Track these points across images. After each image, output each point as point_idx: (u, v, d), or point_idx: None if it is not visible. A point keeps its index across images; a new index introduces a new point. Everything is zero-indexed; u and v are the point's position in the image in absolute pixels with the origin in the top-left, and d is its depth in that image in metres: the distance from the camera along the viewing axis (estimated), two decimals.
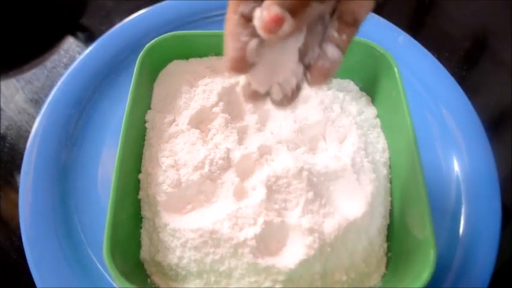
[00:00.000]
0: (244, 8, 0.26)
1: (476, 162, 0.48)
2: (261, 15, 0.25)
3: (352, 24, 0.29)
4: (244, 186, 0.39)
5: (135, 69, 0.43)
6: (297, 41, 0.28)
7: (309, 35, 0.28)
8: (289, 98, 0.30)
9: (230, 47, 0.27)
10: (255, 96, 0.30)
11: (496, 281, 0.42)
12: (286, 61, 0.29)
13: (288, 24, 0.24)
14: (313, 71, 0.29)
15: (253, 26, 0.26)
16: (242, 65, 0.27)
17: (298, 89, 0.30)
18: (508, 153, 0.52)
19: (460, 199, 0.46)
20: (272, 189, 0.37)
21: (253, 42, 0.27)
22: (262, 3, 0.26)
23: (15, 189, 0.48)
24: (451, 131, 0.50)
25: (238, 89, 0.30)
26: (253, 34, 0.26)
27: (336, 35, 0.28)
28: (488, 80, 0.60)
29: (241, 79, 0.30)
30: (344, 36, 0.28)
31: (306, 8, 0.25)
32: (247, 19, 0.26)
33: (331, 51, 0.28)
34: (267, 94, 0.30)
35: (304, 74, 0.29)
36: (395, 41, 0.56)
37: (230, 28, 0.27)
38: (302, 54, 0.29)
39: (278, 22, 0.24)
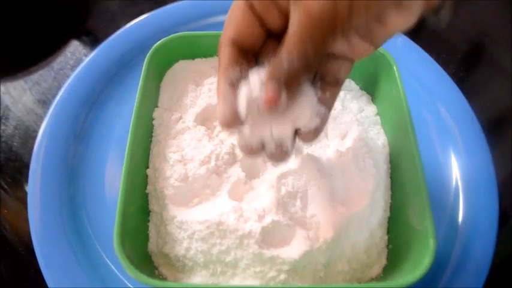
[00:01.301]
0: (231, 75, 0.30)
1: (473, 159, 0.49)
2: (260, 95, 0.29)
3: (334, 83, 0.32)
4: (251, 183, 0.40)
5: (143, 69, 0.44)
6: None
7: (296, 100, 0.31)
8: (281, 154, 0.32)
9: (221, 108, 0.30)
10: (251, 151, 0.32)
11: (495, 279, 0.42)
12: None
13: (284, 98, 0.28)
14: (303, 131, 0.31)
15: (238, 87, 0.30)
16: (233, 124, 0.30)
17: (290, 147, 0.32)
18: (505, 155, 0.53)
19: (457, 196, 0.47)
20: (281, 189, 0.38)
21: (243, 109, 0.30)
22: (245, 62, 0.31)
23: (23, 187, 0.49)
24: (448, 129, 0.51)
25: (238, 142, 0.33)
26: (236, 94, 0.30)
27: (319, 93, 0.31)
28: (486, 82, 0.60)
29: (237, 138, 0.33)
30: (328, 94, 0.32)
31: (298, 81, 0.28)
32: (235, 85, 0.30)
33: (318, 109, 0.31)
34: (263, 149, 0.32)
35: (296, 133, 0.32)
36: (394, 43, 0.56)
37: (220, 91, 0.31)
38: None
39: (276, 100, 0.28)
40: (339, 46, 0.30)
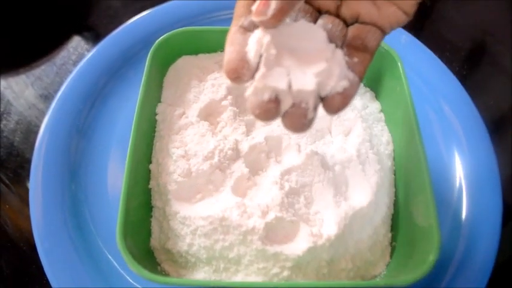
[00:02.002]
0: (244, 21, 0.28)
1: (477, 156, 0.48)
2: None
3: (362, 49, 0.30)
4: (255, 179, 0.40)
5: (146, 64, 0.43)
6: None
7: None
8: (300, 116, 0.27)
9: (227, 51, 0.27)
10: (263, 109, 0.27)
11: (498, 277, 0.42)
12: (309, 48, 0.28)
13: (275, 1, 0.25)
14: (329, 98, 0.28)
15: (250, 34, 0.27)
16: (239, 70, 0.27)
17: (312, 108, 0.27)
18: (508, 153, 0.53)
19: (461, 193, 0.46)
20: (285, 185, 0.38)
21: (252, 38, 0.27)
22: None
23: (24, 182, 0.49)
24: (452, 127, 0.51)
25: (247, 95, 0.27)
26: (247, 37, 0.28)
27: (346, 58, 0.29)
28: (488, 81, 0.60)
29: (251, 86, 0.27)
30: (356, 60, 0.29)
31: None
32: (246, 29, 0.28)
33: (346, 72, 0.28)
34: (279, 106, 0.27)
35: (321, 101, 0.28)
36: (397, 40, 0.57)
37: (229, 36, 0.28)
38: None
39: (266, 4, 0.25)
40: (364, 4, 0.29)
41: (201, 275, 0.37)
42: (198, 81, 0.46)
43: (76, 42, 0.62)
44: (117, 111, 0.52)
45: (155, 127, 0.44)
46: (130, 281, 0.41)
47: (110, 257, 0.42)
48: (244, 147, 0.40)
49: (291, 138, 0.41)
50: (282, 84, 0.26)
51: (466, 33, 0.65)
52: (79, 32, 0.63)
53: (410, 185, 0.40)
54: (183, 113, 0.43)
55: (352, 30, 0.30)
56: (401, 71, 0.43)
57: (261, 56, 0.27)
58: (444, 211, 0.45)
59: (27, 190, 0.46)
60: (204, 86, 0.45)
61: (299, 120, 0.27)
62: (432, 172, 0.37)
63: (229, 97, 0.44)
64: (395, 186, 0.42)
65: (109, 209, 0.45)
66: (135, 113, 0.40)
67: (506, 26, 0.65)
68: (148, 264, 0.37)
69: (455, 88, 0.54)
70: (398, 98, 0.43)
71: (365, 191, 0.38)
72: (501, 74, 0.61)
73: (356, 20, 0.31)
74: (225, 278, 0.37)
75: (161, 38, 0.46)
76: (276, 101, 0.27)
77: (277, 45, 0.27)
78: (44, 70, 0.59)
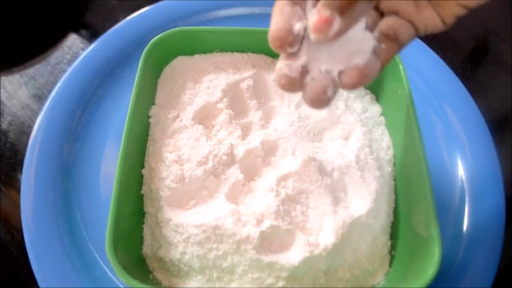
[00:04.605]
0: None
1: (480, 161, 0.48)
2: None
3: (393, 39, 0.30)
4: (250, 185, 0.39)
5: (139, 65, 0.42)
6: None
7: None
8: (324, 93, 0.29)
9: (275, 20, 0.28)
10: (292, 80, 0.29)
11: (501, 282, 0.42)
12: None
13: (338, 24, 0.26)
14: (347, 70, 0.29)
15: (299, 8, 0.28)
16: (285, 36, 0.28)
17: (334, 86, 0.29)
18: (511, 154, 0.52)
19: (463, 198, 0.46)
20: (281, 192, 0.37)
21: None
22: None
23: (17, 184, 0.48)
24: (455, 130, 0.50)
25: (277, 68, 0.29)
26: (299, 16, 0.28)
27: (375, 42, 0.29)
28: (491, 80, 0.60)
29: (280, 61, 0.29)
30: (384, 46, 0.30)
31: (354, 8, 0.26)
32: (295, 3, 0.28)
33: (370, 57, 0.29)
34: (304, 80, 0.29)
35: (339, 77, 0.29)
36: None
37: (277, 7, 0.28)
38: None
39: (328, 23, 0.26)
40: (406, 2, 0.29)
41: (193, 284, 0.36)
42: (193, 82, 0.45)
43: (71, 41, 0.61)
44: (111, 113, 0.51)
45: (148, 130, 0.43)
46: (122, 287, 0.41)
47: (101, 262, 0.42)
48: (239, 151, 0.39)
49: (288, 143, 0.40)
50: (318, 64, 0.28)
51: (469, 32, 0.64)
52: (74, 30, 0.62)
53: (411, 191, 0.39)
54: (177, 116, 0.42)
55: (388, 20, 0.30)
56: (402, 73, 0.42)
57: (305, 30, 0.28)
58: (446, 217, 0.44)
59: (19, 192, 0.45)
60: (199, 88, 0.44)
61: (319, 95, 0.29)
62: (434, 177, 0.37)
63: (225, 99, 0.42)
64: (396, 193, 0.41)
65: (101, 213, 0.44)
66: (127, 116, 0.39)
67: (509, 24, 0.64)
68: (140, 272, 0.37)
69: (458, 90, 0.53)
70: (399, 100, 0.42)
71: (364, 199, 0.37)
72: (505, 74, 0.60)
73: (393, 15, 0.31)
74: (218, 287, 0.36)
75: (156, 37, 0.45)
76: (302, 74, 0.29)
77: None
78: (38, 69, 0.58)
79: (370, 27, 0.30)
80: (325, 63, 0.29)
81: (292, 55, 0.29)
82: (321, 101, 0.29)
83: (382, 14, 0.31)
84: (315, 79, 0.29)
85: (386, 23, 0.30)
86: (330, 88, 0.29)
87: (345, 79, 0.29)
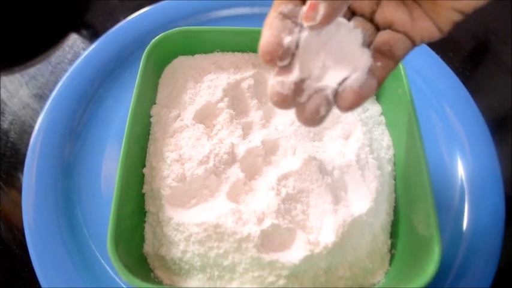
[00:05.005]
0: (284, 8, 0.28)
1: (480, 160, 0.48)
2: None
3: (388, 55, 0.30)
4: (251, 184, 0.39)
5: (140, 64, 0.43)
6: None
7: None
8: (317, 113, 0.29)
9: (265, 34, 0.28)
10: (285, 97, 0.29)
11: (500, 281, 0.42)
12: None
13: (323, 7, 0.26)
14: (342, 92, 0.29)
15: (289, 22, 0.28)
16: (275, 50, 0.28)
17: (328, 105, 0.29)
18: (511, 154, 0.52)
19: (463, 197, 0.46)
20: (281, 191, 0.37)
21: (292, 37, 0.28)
22: (301, 4, 0.28)
23: (18, 183, 0.48)
24: (454, 130, 0.50)
25: (271, 82, 0.29)
26: (289, 29, 0.28)
27: (371, 60, 0.29)
28: (491, 80, 0.60)
29: (273, 77, 0.29)
30: (379, 64, 0.30)
31: None
32: (286, 17, 0.28)
33: (366, 76, 0.29)
34: (296, 98, 0.29)
35: (334, 97, 0.29)
36: None
37: (268, 20, 0.28)
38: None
39: (314, 7, 0.26)
40: (400, 13, 0.29)
41: (194, 282, 0.36)
42: (194, 82, 0.45)
43: (72, 41, 0.61)
44: (112, 112, 0.51)
45: (149, 129, 0.43)
46: (123, 285, 0.41)
47: (102, 261, 0.42)
48: (240, 151, 0.40)
49: (288, 142, 0.40)
50: (306, 77, 0.28)
51: (469, 32, 0.64)
52: (75, 30, 0.62)
53: (411, 191, 0.39)
54: (178, 115, 0.43)
55: (383, 35, 0.31)
56: (403, 73, 0.42)
57: (296, 46, 0.28)
58: (446, 215, 0.44)
59: (20, 191, 0.45)
60: (200, 88, 0.44)
61: (311, 115, 0.29)
62: (434, 176, 0.37)
63: (226, 99, 0.43)
64: (396, 192, 0.41)
65: (102, 212, 0.44)
66: (129, 115, 0.39)
67: (509, 24, 0.64)
68: (141, 270, 0.37)
69: (458, 90, 0.53)
70: (399, 100, 0.42)
71: (364, 197, 0.38)
72: (505, 74, 0.60)
73: (389, 27, 0.31)
74: (219, 286, 0.36)
75: (157, 37, 0.45)
76: (295, 92, 0.28)
77: (313, 39, 0.29)
78: (39, 69, 0.58)
79: (367, 43, 0.30)
80: (319, 80, 0.29)
81: (285, 69, 0.28)
82: (313, 120, 0.29)
83: (377, 28, 0.31)
84: (310, 99, 0.29)
85: (382, 38, 0.30)
86: (323, 107, 0.29)
87: (341, 102, 0.29)
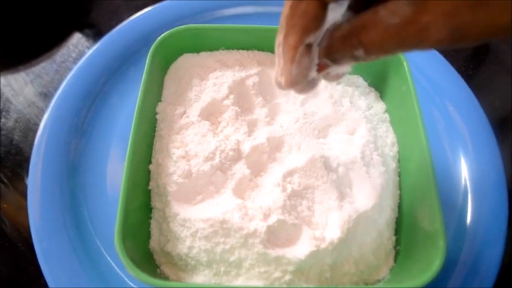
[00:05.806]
0: (312, 39, 0.27)
1: (482, 158, 0.48)
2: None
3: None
4: (256, 181, 0.39)
5: (146, 62, 0.43)
6: None
7: None
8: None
9: (290, 69, 0.28)
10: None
11: (504, 278, 0.42)
12: None
13: (331, 67, 0.28)
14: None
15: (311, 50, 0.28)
16: (299, 83, 0.29)
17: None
18: None
19: (466, 195, 0.46)
20: (287, 187, 0.37)
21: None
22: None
23: (23, 181, 0.49)
24: (457, 128, 0.50)
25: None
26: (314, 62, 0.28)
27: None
28: (493, 80, 0.60)
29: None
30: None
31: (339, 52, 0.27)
32: (310, 47, 0.28)
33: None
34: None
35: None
36: None
37: (295, 54, 0.27)
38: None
39: (324, 67, 0.29)
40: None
41: (201, 278, 0.36)
42: (199, 79, 0.45)
43: (76, 39, 0.61)
44: (117, 110, 0.51)
45: (155, 127, 0.43)
46: (129, 282, 0.41)
47: (108, 257, 0.42)
48: (245, 147, 0.40)
49: (293, 139, 0.40)
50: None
51: None
52: (79, 29, 0.62)
53: (416, 187, 0.39)
54: (184, 113, 0.43)
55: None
56: (406, 71, 0.42)
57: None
58: (449, 213, 0.44)
59: (25, 189, 0.45)
60: (205, 85, 0.44)
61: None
62: (437, 173, 0.37)
63: (231, 96, 0.43)
64: (400, 188, 0.42)
65: (108, 209, 0.44)
66: (135, 112, 0.40)
67: None
68: (148, 266, 0.37)
69: (461, 88, 0.53)
70: (403, 98, 0.42)
71: (369, 194, 0.38)
72: (507, 73, 0.60)
73: None
74: (225, 281, 0.36)
75: (162, 35, 0.45)
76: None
77: None
78: (43, 67, 0.58)
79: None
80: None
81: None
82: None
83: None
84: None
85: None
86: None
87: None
